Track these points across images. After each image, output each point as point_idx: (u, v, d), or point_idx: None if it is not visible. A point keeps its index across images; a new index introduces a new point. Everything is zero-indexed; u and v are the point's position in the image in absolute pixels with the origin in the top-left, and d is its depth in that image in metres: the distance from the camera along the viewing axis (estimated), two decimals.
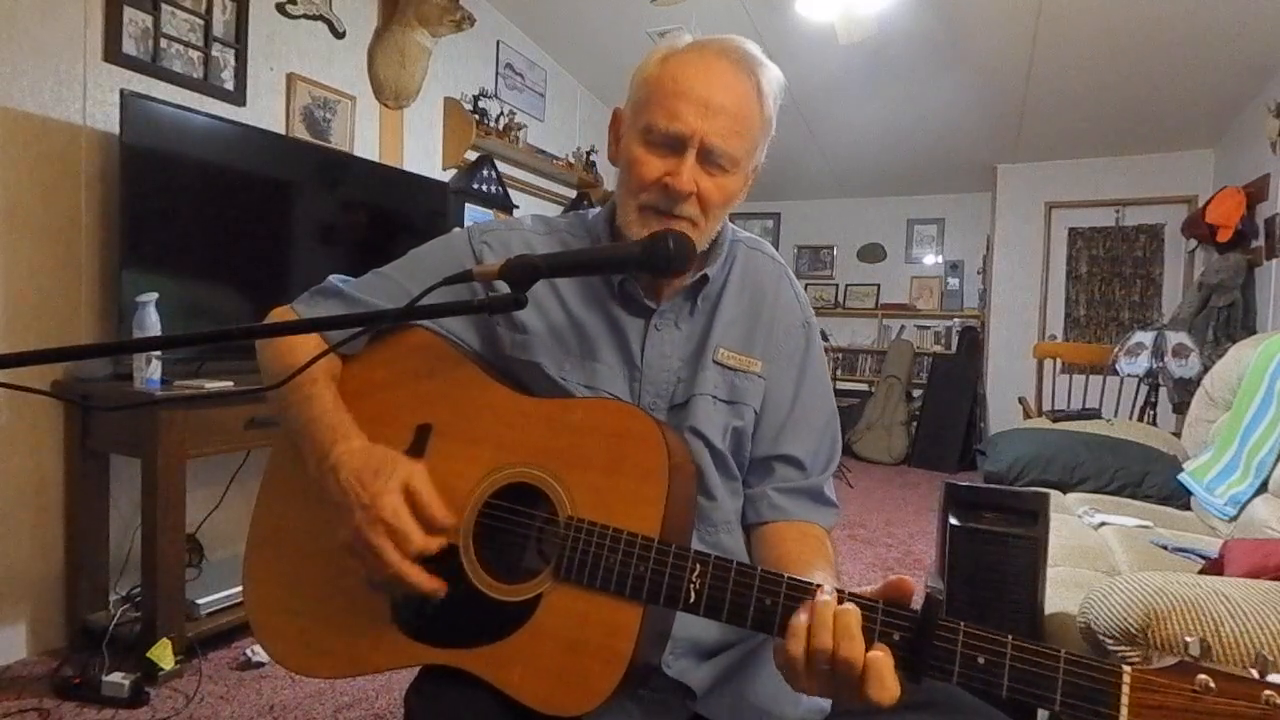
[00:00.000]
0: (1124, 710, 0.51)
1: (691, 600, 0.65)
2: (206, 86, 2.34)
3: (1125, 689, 0.51)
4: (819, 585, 0.61)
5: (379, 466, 0.74)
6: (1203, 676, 0.50)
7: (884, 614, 0.59)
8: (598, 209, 0.94)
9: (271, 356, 0.87)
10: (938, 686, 0.69)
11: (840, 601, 0.59)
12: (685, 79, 0.78)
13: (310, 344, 0.82)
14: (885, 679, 0.56)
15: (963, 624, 0.57)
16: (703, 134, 0.77)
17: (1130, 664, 0.99)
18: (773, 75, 0.82)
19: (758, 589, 0.63)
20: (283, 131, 2.59)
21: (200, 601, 2.02)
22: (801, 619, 0.59)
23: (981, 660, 0.56)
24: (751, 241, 0.95)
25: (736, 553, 0.85)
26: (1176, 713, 0.50)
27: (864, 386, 6.13)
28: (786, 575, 0.63)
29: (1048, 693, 0.53)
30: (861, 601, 0.60)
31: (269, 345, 0.88)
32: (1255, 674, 0.50)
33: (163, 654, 1.82)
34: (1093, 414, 3.09)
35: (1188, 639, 0.52)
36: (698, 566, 0.65)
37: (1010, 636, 0.55)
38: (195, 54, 2.31)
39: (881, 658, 0.56)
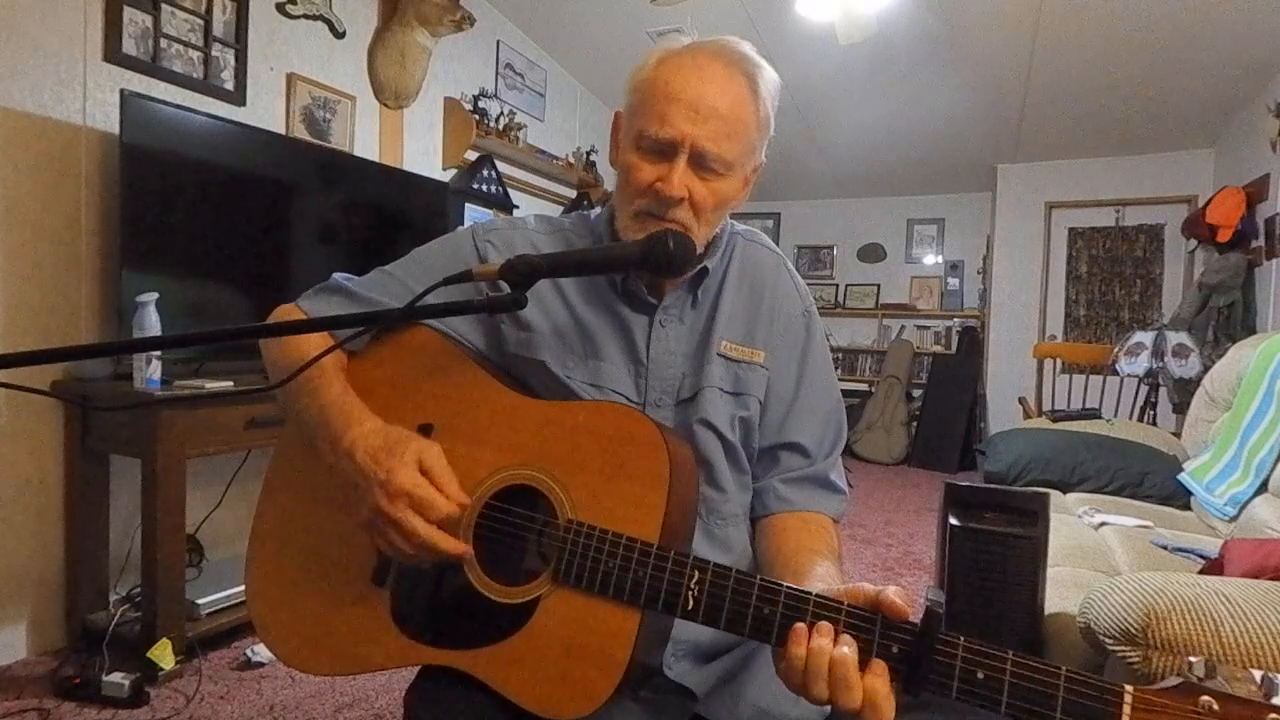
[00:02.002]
0: None
1: (689, 607, 0.65)
2: (206, 86, 2.33)
3: (1127, 709, 0.51)
4: (814, 622, 0.60)
5: (391, 445, 0.74)
6: (1206, 698, 0.49)
7: (883, 627, 0.59)
8: (600, 209, 0.94)
9: (278, 353, 0.87)
10: None
11: (838, 618, 0.59)
12: (676, 83, 0.77)
13: (315, 339, 0.83)
14: (881, 709, 0.57)
15: (963, 638, 0.56)
16: (693, 138, 0.77)
17: (1131, 665, 0.99)
18: (767, 75, 0.82)
19: (756, 598, 0.63)
20: (283, 131, 2.59)
21: (200, 601, 2.02)
22: (798, 654, 0.59)
23: (981, 675, 0.55)
24: (749, 234, 0.95)
25: (743, 546, 0.86)
26: None
27: (864, 386, 6.12)
28: (785, 585, 0.63)
29: (1047, 710, 0.53)
30: (860, 613, 0.59)
31: (274, 342, 0.88)
32: (1260, 696, 0.48)
33: (163, 654, 1.82)
34: (1093, 414, 3.09)
35: (1192, 659, 0.51)
36: (696, 573, 0.65)
37: (1011, 652, 0.55)
38: (195, 54, 2.31)
39: (878, 685, 0.57)
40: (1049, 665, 0.54)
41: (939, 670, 0.56)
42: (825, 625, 0.59)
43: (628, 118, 0.83)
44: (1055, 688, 0.53)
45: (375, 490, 0.72)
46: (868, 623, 0.59)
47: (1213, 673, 0.50)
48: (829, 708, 0.79)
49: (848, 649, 0.57)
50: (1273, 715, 0.47)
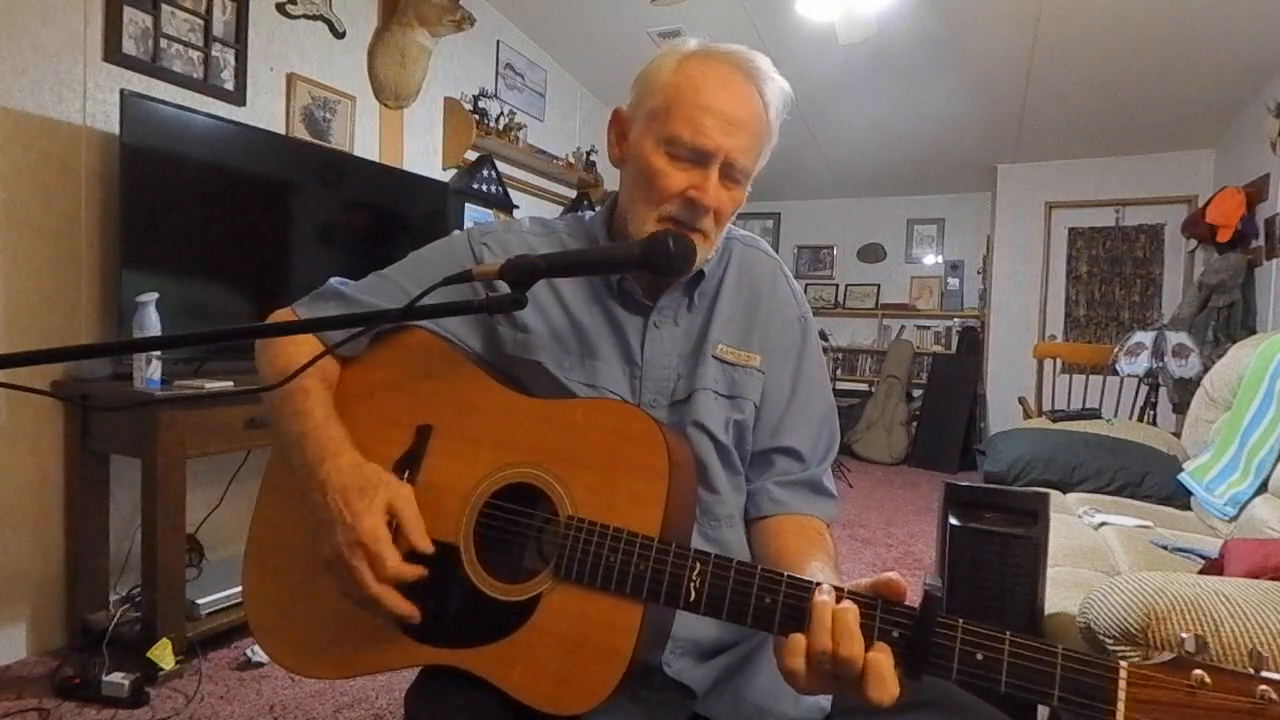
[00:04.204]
0: (1121, 705, 0.51)
1: (692, 599, 0.65)
2: (206, 86, 2.34)
3: (1122, 684, 0.52)
4: (818, 584, 0.61)
5: (364, 486, 0.74)
6: (1198, 672, 0.50)
7: (883, 611, 0.59)
8: (596, 210, 0.94)
9: (269, 359, 0.87)
10: (935, 685, 0.69)
11: (839, 600, 0.60)
12: (707, 92, 0.78)
13: (308, 347, 0.83)
14: (885, 679, 0.56)
15: (961, 621, 0.57)
16: (727, 150, 0.78)
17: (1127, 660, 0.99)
18: (780, 89, 0.84)
19: (757, 587, 0.63)
20: (283, 131, 2.59)
21: (200, 601, 2.02)
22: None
23: (980, 657, 0.56)
24: (747, 239, 0.95)
25: (738, 547, 0.86)
26: (1173, 708, 0.50)
27: (864, 386, 6.13)
28: (786, 573, 0.63)
29: (1046, 688, 0.54)
30: (860, 599, 0.60)
31: (267, 348, 0.88)
32: (1251, 669, 0.50)
33: (163, 654, 1.82)
34: (1093, 414, 3.09)
35: (1184, 635, 0.52)
36: (698, 565, 0.65)
37: (1008, 633, 0.56)
38: (195, 54, 2.31)
39: (881, 658, 0.56)
40: (1046, 644, 0.54)
41: (939, 652, 0.57)
42: (829, 587, 0.60)
43: (648, 120, 0.82)
44: (1053, 666, 0.54)
45: (338, 532, 0.72)
46: (869, 607, 0.59)
47: (1204, 648, 0.52)
48: (829, 707, 0.79)
49: (849, 614, 0.58)
50: (1263, 686, 0.49)
